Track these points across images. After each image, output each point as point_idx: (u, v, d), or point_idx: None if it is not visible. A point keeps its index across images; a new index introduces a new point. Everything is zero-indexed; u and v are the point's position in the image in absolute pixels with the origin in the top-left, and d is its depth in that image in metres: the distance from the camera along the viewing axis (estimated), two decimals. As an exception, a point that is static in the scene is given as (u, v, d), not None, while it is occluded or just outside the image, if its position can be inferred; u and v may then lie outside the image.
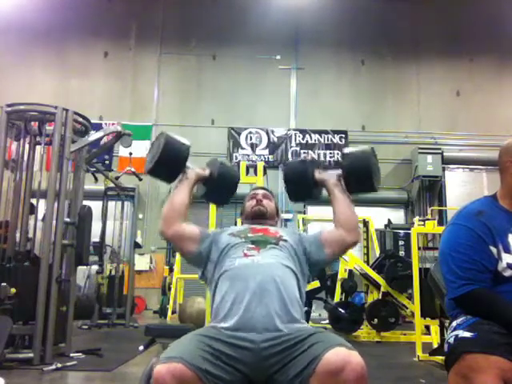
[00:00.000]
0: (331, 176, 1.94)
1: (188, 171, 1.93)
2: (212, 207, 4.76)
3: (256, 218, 2.02)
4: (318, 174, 1.95)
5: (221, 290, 1.71)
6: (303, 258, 1.85)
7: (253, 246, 1.80)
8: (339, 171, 1.94)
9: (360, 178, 1.89)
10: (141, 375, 1.97)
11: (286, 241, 1.86)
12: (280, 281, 1.67)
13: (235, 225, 4.82)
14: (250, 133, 11.80)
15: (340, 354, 1.38)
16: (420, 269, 4.90)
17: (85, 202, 4.94)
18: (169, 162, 1.90)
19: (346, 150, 2.01)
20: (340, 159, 11.65)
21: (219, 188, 2.02)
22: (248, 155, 11.59)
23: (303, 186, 2.00)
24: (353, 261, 6.62)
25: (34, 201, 4.71)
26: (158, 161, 1.86)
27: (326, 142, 11.82)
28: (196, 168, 1.97)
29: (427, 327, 5.37)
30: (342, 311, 6.25)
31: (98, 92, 11.77)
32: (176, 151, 1.91)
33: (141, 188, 9.64)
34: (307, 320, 5.68)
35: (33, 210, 4.69)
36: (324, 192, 2.02)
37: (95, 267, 7.15)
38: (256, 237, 1.86)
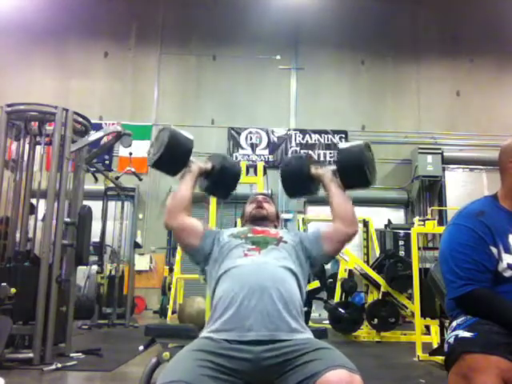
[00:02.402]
0: (327, 171, 1.96)
1: (191, 165, 1.97)
2: (212, 207, 4.76)
3: (256, 221, 2.03)
4: (314, 170, 1.98)
5: (220, 289, 1.71)
6: (304, 259, 1.85)
7: (253, 246, 1.80)
8: (334, 167, 1.97)
9: (353, 172, 1.92)
10: (141, 375, 1.97)
11: (286, 242, 1.86)
12: (280, 281, 1.67)
13: (235, 225, 4.83)
14: (250, 133, 11.80)
15: (342, 377, 1.34)
16: (420, 269, 4.90)
17: (85, 202, 4.94)
18: (173, 156, 1.93)
19: (340, 146, 2.03)
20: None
21: (221, 182, 2.05)
22: (248, 155, 11.58)
23: (299, 182, 2.03)
24: (353, 261, 6.62)
25: (34, 201, 4.71)
26: (163, 154, 1.89)
27: (326, 142, 11.82)
28: (199, 162, 2.01)
29: (427, 327, 5.37)
30: (342, 311, 6.25)
31: (98, 92, 11.76)
32: (181, 145, 1.95)
33: (141, 188, 9.64)
34: (307, 320, 5.69)
35: (33, 210, 4.69)
36: (322, 191, 2.03)
37: (95, 267, 7.16)
38: (256, 237, 1.86)
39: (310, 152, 11.54)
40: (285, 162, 2.15)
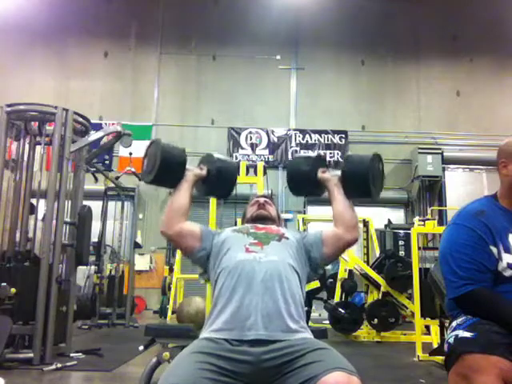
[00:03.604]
0: (333, 177, 1.95)
1: (187, 173, 1.94)
2: (212, 207, 4.76)
3: (259, 220, 2.03)
4: (321, 173, 1.97)
5: (221, 283, 1.70)
6: (304, 258, 1.85)
7: (255, 241, 1.80)
8: (339, 172, 1.96)
9: (356, 183, 1.90)
10: (141, 375, 1.97)
11: (288, 238, 1.87)
12: (283, 279, 1.67)
13: (235, 225, 4.83)
14: (250, 133, 11.80)
15: (339, 379, 1.35)
16: (420, 269, 4.91)
17: (85, 202, 4.94)
18: (169, 170, 1.90)
19: (348, 154, 2.03)
20: (340, 159, 11.65)
21: (219, 183, 2.04)
22: (248, 155, 11.59)
23: (305, 183, 2.02)
24: (353, 261, 6.62)
25: (34, 201, 4.71)
26: (159, 170, 1.87)
27: (326, 141, 11.82)
28: (194, 168, 1.98)
29: (427, 327, 5.38)
30: (342, 311, 6.25)
31: (98, 92, 11.77)
32: (175, 158, 1.92)
33: (141, 188, 9.63)
34: (307, 320, 5.69)
35: (33, 210, 4.69)
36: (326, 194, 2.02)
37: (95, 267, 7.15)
38: (259, 233, 1.87)
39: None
40: (293, 161, 2.14)
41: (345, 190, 1.91)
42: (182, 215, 1.87)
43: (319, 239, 1.87)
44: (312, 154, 2.02)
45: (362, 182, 1.87)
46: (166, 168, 1.88)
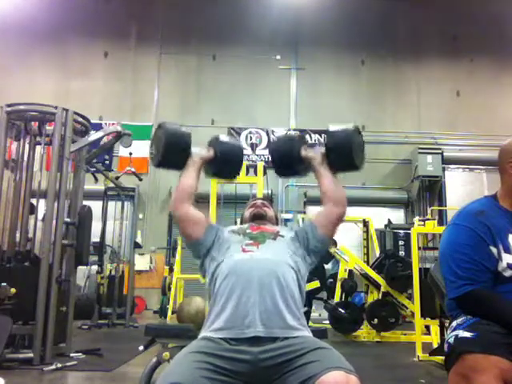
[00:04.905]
0: (317, 154, 1.97)
1: (193, 155, 1.99)
2: (212, 207, 4.77)
3: (256, 220, 2.06)
4: (304, 152, 1.98)
5: (219, 283, 1.72)
6: (302, 251, 1.86)
7: (251, 241, 1.82)
8: (323, 149, 1.98)
9: (340, 155, 1.93)
10: (141, 375, 1.97)
11: (283, 236, 1.89)
12: (281, 276, 1.68)
13: (235, 225, 4.83)
14: (250, 133, 11.80)
15: (338, 378, 1.35)
16: (420, 269, 4.91)
17: (85, 202, 4.94)
18: (174, 152, 1.95)
19: (330, 129, 2.03)
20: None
21: (226, 164, 2.07)
22: (248, 155, 11.58)
23: (289, 163, 2.04)
24: (353, 261, 6.62)
25: (34, 201, 4.71)
26: (164, 152, 1.92)
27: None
28: (201, 150, 2.03)
29: (427, 327, 5.38)
30: (342, 311, 6.25)
31: (98, 92, 11.76)
32: (179, 139, 1.97)
33: (141, 188, 9.63)
34: (307, 320, 5.68)
35: (33, 210, 4.69)
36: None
37: (95, 267, 7.15)
38: (255, 233, 1.89)
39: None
40: (275, 142, 2.17)
41: (330, 165, 1.93)
42: (189, 196, 1.91)
43: (311, 224, 1.91)
44: (293, 133, 2.03)
45: (346, 154, 1.91)
46: (171, 150, 1.93)
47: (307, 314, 6.05)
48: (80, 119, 4.83)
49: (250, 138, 11.77)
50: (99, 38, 12.09)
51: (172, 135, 1.96)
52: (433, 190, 11.57)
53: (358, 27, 12.05)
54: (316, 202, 10.98)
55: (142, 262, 10.56)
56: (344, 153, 1.91)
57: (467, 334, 1.51)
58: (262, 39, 11.96)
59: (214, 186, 4.93)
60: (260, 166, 5.13)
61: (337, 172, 1.95)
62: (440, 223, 8.01)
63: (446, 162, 11.47)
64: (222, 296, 1.66)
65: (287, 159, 2.03)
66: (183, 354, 1.52)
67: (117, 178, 7.45)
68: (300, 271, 1.79)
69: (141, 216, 10.79)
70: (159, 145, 1.95)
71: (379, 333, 6.19)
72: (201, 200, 2.15)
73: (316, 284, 6.20)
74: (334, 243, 6.74)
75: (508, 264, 1.64)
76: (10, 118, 4.53)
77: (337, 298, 6.92)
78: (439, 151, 11.32)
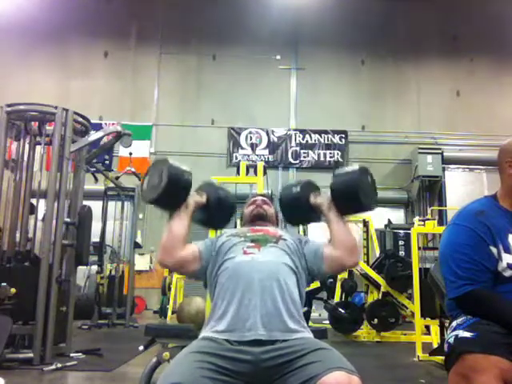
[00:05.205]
0: (325, 200, 1.89)
1: (188, 199, 1.87)
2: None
3: (256, 221, 2.04)
4: (313, 199, 1.91)
5: (220, 286, 1.71)
6: (303, 262, 1.84)
7: (253, 244, 1.80)
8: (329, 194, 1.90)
9: (346, 199, 1.84)
10: (141, 375, 1.97)
11: (285, 240, 1.86)
12: (281, 279, 1.67)
13: (235, 226, 4.83)
14: (250, 133, 11.80)
15: (340, 379, 1.35)
16: (420, 269, 4.90)
17: (85, 202, 4.94)
18: (174, 193, 1.81)
19: (336, 171, 1.94)
20: (340, 159, 11.65)
21: (217, 212, 1.97)
22: (248, 155, 11.59)
23: (299, 212, 1.97)
24: (353, 261, 6.60)
25: (34, 201, 4.71)
26: (164, 192, 1.76)
27: (326, 141, 11.82)
28: (194, 195, 1.91)
29: (427, 327, 5.38)
30: (342, 311, 6.25)
31: (98, 92, 11.76)
32: (181, 181, 1.82)
33: (141, 188, 9.64)
34: (307, 320, 5.69)
35: (33, 210, 4.69)
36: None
37: (95, 267, 7.14)
38: (256, 235, 1.87)
39: (310, 152, 11.51)
40: (282, 191, 2.03)
41: (338, 209, 1.85)
42: (180, 243, 1.79)
43: (321, 255, 1.83)
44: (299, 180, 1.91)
45: (353, 198, 1.82)
46: (171, 190, 1.77)
47: (307, 314, 6.05)
48: (80, 119, 4.83)
49: (250, 137, 11.77)
50: (100, 38, 12.09)
51: (175, 175, 1.79)
52: (433, 190, 11.57)
53: (358, 27, 12.06)
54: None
55: (141, 262, 10.56)
56: (350, 197, 1.81)
57: (467, 334, 1.51)
58: (262, 39, 11.96)
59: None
60: (260, 166, 5.13)
61: (344, 215, 1.87)
62: (440, 223, 8.01)
63: (446, 161, 11.47)
64: (224, 299, 1.65)
65: (297, 208, 1.95)
66: (183, 354, 1.52)
67: (117, 177, 7.45)
68: (299, 274, 1.79)
69: (141, 216, 10.79)
70: (157, 181, 1.79)
71: (379, 333, 6.19)
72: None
73: (316, 284, 6.20)
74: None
75: (508, 264, 1.64)
76: (10, 117, 4.53)
77: (337, 298, 6.93)
78: (439, 151, 11.32)
